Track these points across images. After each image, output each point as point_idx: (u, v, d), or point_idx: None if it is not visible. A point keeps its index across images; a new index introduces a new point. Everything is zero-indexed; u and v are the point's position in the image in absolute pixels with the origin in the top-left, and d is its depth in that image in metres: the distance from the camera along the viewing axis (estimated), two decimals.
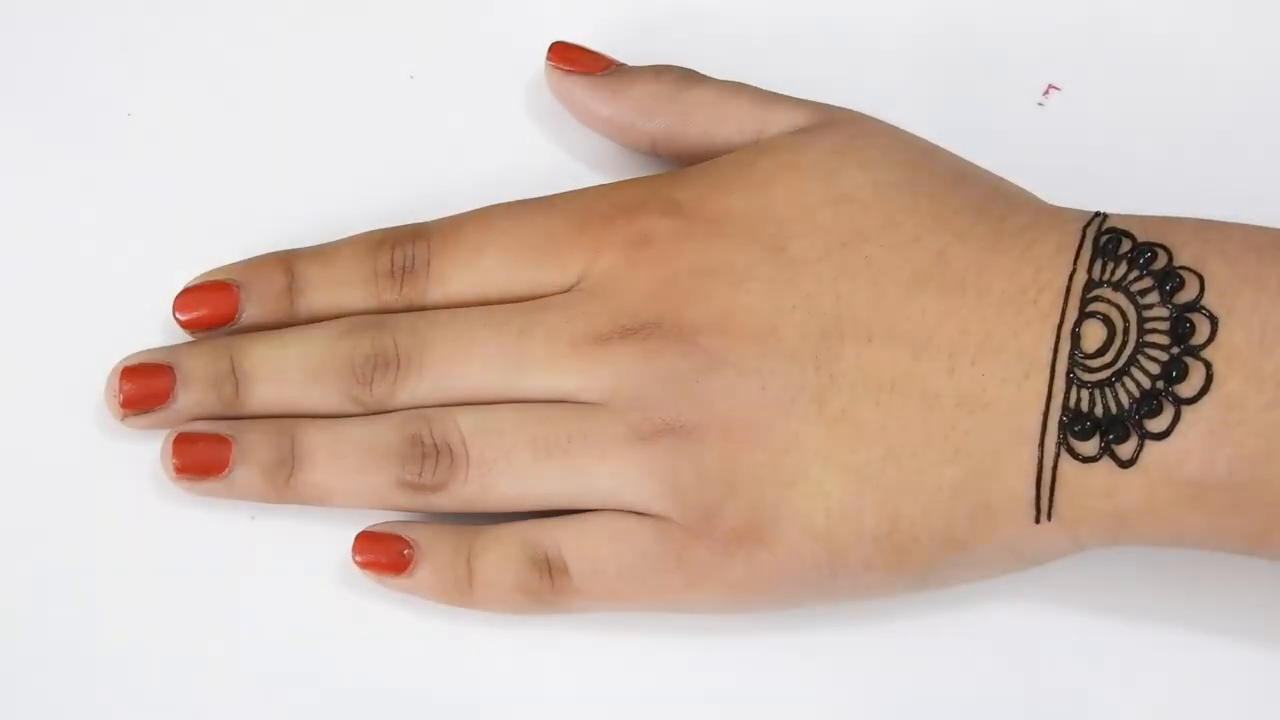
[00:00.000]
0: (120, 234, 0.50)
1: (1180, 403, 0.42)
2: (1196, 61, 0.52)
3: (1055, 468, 0.43)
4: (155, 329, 0.49)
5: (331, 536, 0.47)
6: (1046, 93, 0.52)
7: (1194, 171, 0.51)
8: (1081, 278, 0.43)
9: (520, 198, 0.48)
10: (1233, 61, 0.52)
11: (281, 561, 0.47)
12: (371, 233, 0.49)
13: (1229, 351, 0.42)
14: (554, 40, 0.51)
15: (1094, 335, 0.43)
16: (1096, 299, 0.43)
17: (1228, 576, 0.47)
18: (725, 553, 0.44)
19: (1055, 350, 0.43)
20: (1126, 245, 0.44)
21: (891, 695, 0.47)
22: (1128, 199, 0.46)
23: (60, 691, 0.46)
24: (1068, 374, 0.43)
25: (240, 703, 0.46)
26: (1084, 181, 0.49)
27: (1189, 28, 0.52)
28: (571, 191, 0.48)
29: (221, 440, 0.46)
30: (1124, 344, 0.43)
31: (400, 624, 0.47)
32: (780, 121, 0.48)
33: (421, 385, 0.46)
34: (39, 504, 0.48)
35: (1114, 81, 0.52)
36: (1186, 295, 0.43)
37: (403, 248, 0.48)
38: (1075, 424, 0.42)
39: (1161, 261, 0.43)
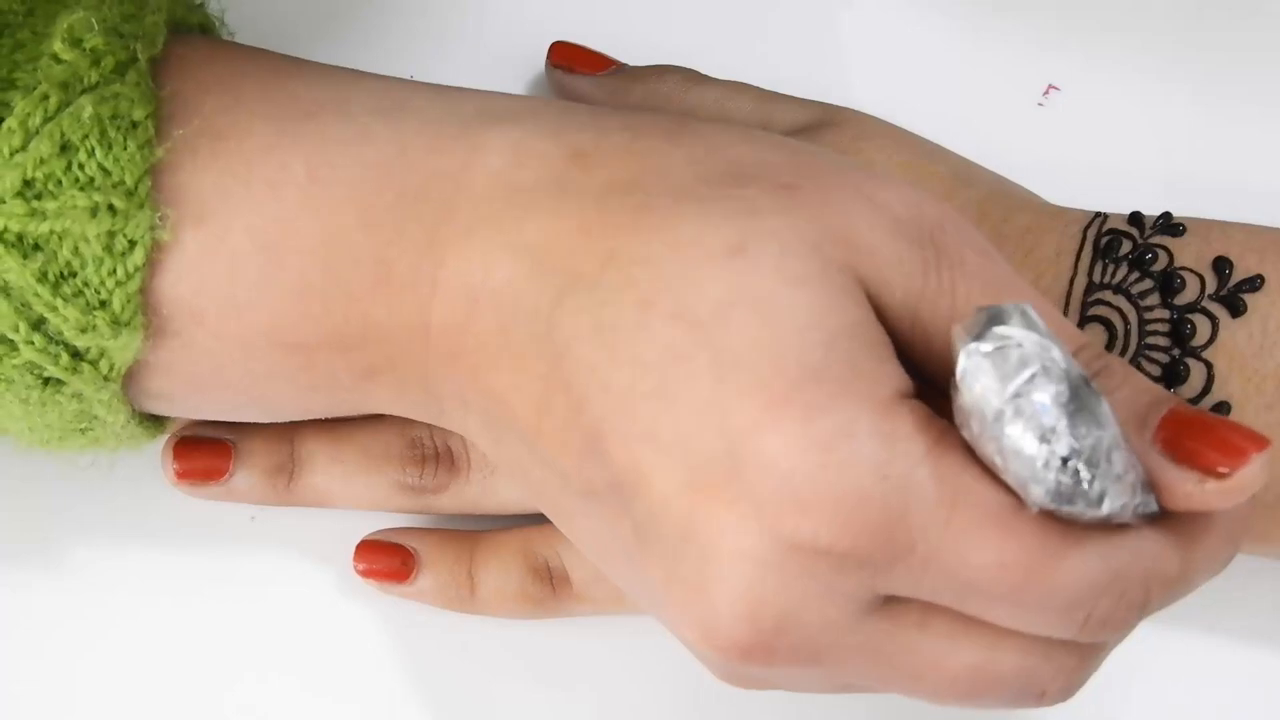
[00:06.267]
0: None
1: None
2: (1197, 61, 0.52)
3: None
4: None
5: (332, 536, 0.47)
6: (1046, 93, 0.52)
7: (1195, 171, 0.51)
8: (1082, 282, 0.43)
9: None
10: (1234, 61, 0.52)
11: (281, 562, 0.47)
12: None
13: (1230, 352, 0.42)
14: (555, 40, 0.51)
15: (1095, 340, 0.43)
16: (1097, 302, 0.43)
17: (1227, 575, 0.47)
18: None
19: None
20: (1127, 246, 0.44)
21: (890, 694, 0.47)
22: (1128, 199, 0.46)
23: (59, 691, 0.46)
24: None
25: (239, 702, 0.46)
26: (1084, 181, 0.48)
27: (1189, 27, 0.52)
28: None
29: (222, 446, 0.46)
30: (1125, 347, 0.43)
31: (400, 623, 0.47)
32: (782, 120, 0.48)
33: None
34: (39, 504, 0.47)
35: (1114, 81, 0.52)
36: (1187, 296, 0.43)
37: None
38: None
39: (1162, 262, 0.43)
